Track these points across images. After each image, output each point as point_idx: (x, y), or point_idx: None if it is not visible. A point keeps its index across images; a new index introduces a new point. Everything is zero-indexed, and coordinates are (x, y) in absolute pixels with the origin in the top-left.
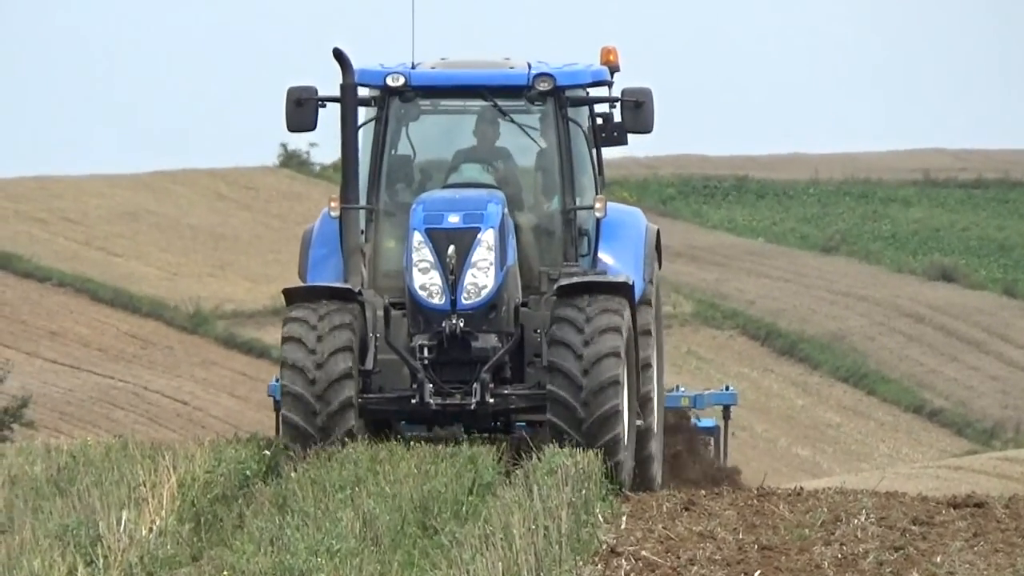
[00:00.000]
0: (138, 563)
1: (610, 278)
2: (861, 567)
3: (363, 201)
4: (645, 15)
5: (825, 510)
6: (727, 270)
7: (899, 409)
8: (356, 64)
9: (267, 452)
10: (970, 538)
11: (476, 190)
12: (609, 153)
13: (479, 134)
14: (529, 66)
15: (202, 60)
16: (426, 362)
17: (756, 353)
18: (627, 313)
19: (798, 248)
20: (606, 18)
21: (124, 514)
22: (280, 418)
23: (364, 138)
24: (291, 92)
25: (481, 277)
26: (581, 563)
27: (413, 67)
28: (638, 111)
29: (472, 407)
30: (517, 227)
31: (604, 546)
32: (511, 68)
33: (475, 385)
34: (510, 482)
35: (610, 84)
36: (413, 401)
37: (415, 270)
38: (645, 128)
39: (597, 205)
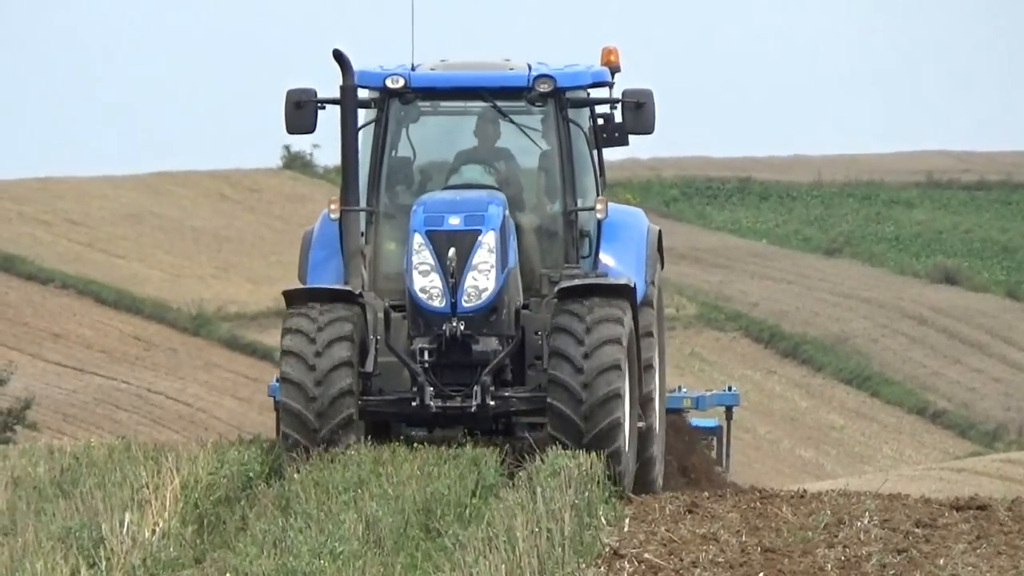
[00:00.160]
0: (141, 565)
1: (611, 280)
2: (864, 569)
3: (363, 203)
4: (647, 17)
5: (828, 512)
6: (730, 272)
7: (902, 411)
8: (356, 66)
9: (272, 454)
10: (973, 540)
11: (477, 192)
12: (612, 155)
13: (480, 135)
14: (529, 67)
15: (206, 61)
16: (426, 365)
17: (759, 355)
18: (628, 316)
19: (801, 250)
20: (607, 18)
21: (127, 516)
22: (280, 409)
23: (364, 140)
24: (290, 94)
25: (482, 279)
26: (584, 565)
27: (413, 69)
28: (639, 112)
29: (473, 410)
30: (518, 228)
31: (607, 548)
32: (511, 69)
33: (476, 388)
34: (513, 484)
35: (611, 85)
36: (413, 404)
37: (415, 272)
38: (646, 129)
39: (598, 206)
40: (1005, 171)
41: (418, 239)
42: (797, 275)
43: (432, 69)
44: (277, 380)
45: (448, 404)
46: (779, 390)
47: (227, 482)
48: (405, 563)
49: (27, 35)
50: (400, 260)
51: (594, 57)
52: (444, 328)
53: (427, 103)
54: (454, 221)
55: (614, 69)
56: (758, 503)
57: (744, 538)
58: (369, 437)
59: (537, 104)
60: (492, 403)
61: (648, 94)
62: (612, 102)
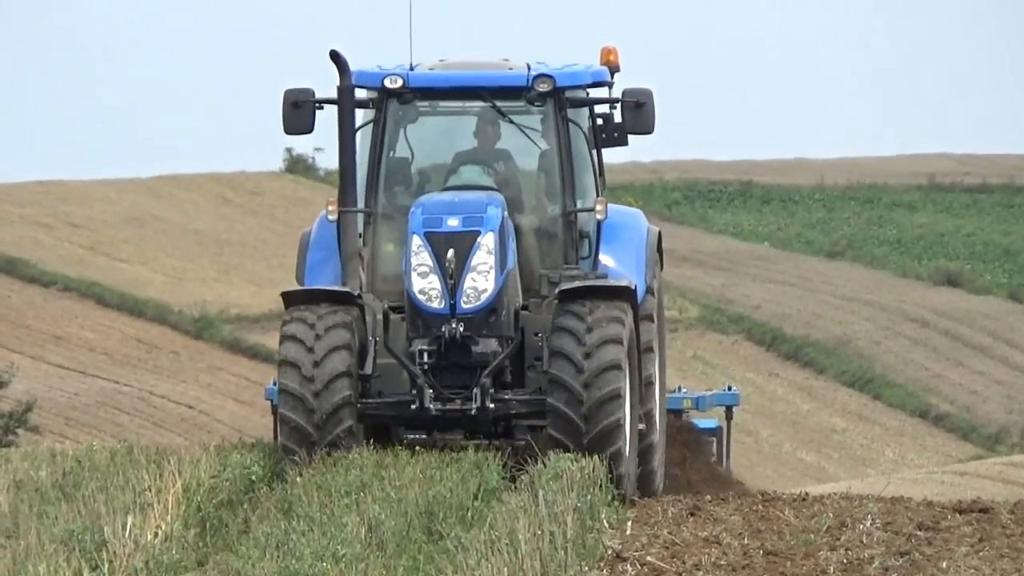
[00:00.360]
0: (143, 568)
1: (612, 282)
2: (867, 572)
3: (361, 204)
4: (648, 20)
5: (830, 515)
6: (733, 275)
7: (905, 414)
8: (354, 66)
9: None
10: (975, 543)
11: (475, 193)
12: (614, 157)
13: (479, 136)
14: (528, 67)
15: (207, 64)
16: (426, 367)
17: (761, 358)
18: (629, 318)
19: (803, 253)
20: (607, 19)
21: (129, 519)
22: (278, 420)
23: (362, 140)
24: (287, 94)
25: (481, 281)
26: (586, 568)
27: (411, 68)
28: (638, 112)
29: (472, 412)
30: (517, 229)
31: (609, 552)
32: (510, 69)
33: (475, 390)
34: (515, 487)
35: (610, 85)
36: (413, 406)
37: (414, 274)
38: (646, 129)
39: (598, 207)
40: (1007, 174)
41: (417, 241)
42: (799, 278)
43: (431, 69)
44: (274, 383)
45: (448, 407)
46: (781, 393)
47: (229, 485)
48: (407, 566)
49: (27, 37)
50: (398, 261)
51: (593, 57)
52: (443, 330)
53: (425, 103)
54: (453, 223)
55: (613, 69)
56: (760, 506)
57: (746, 541)
58: (371, 440)
59: (536, 104)
60: (492, 406)
61: (648, 94)
62: (612, 102)
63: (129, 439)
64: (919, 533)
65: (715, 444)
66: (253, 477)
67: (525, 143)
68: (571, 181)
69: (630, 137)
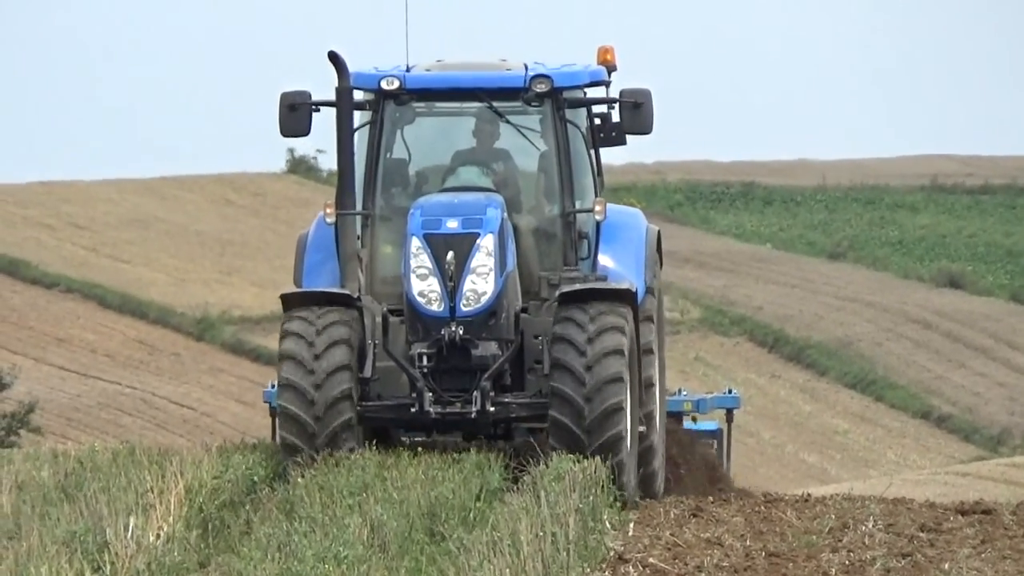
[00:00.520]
0: (145, 569)
1: (612, 285)
2: (869, 574)
3: (359, 206)
4: (649, 20)
5: (833, 517)
6: (734, 276)
7: (906, 415)
8: (351, 67)
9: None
10: (978, 545)
11: (475, 194)
12: (616, 158)
13: (477, 136)
14: (526, 67)
15: (210, 65)
16: (425, 370)
17: (763, 359)
18: (630, 322)
19: (805, 254)
20: (607, 19)
21: (131, 520)
22: (276, 420)
23: (360, 142)
24: (284, 97)
25: (480, 283)
26: (589, 570)
27: (408, 70)
28: (637, 112)
29: (472, 416)
30: (516, 231)
31: (612, 553)
32: (507, 70)
33: (475, 393)
34: (517, 488)
35: (608, 84)
36: (412, 409)
37: (413, 276)
38: (644, 129)
39: (597, 208)
40: (1009, 175)
41: (416, 243)
42: (801, 279)
43: (427, 70)
44: (273, 386)
45: (447, 410)
46: (783, 394)
47: (231, 486)
48: (409, 567)
49: (29, 37)
50: (397, 264)
51: (590, 57)
52: (443, 333)
53: (423, 104)
54: (452, 224)
55: (610, 68)
56: (762, 507)
57: (748, 542)
58: (373, 442)
59: (534, 104)
60: (492, 409)
61: (646, 94)
62: (610, 102)
63: (131, 440)
64: (921, 534)
65: (716, 447)
66: (255, 478)
67: (523, 143)
68: (570, 182)
69: (630, 138)
